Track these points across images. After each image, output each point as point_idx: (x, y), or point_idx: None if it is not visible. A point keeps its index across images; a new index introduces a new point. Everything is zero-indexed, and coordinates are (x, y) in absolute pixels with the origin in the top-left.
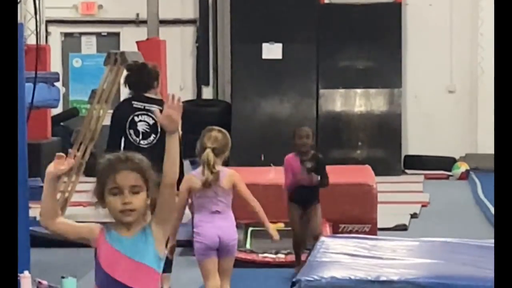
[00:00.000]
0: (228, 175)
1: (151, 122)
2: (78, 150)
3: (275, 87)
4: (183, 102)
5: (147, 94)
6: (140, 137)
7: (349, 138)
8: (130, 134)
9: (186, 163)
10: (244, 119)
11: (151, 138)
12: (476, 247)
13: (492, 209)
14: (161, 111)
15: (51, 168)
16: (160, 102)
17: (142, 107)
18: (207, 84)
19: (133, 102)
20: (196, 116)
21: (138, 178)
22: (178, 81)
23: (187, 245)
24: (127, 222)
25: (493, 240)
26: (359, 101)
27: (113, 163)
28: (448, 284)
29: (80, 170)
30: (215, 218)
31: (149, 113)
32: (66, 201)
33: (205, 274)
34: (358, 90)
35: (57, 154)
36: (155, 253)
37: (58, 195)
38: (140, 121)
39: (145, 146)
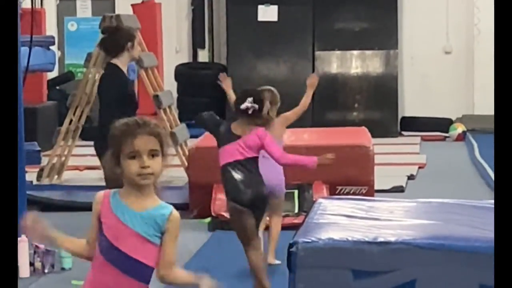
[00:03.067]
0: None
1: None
2: (74, 114)
3: (271, 50)
4: (178, 65)
5: (114, 60)
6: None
7: (345, 100)
8: None
9: (183, 126)
10: (240, 82)
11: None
12: (473, 208)
13: (489, 170)
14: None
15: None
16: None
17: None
18: (203, 47)
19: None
20: (192, 79)
21: (156, 142)
22: (174, 44)
23: (184, 208)
24: (144, 185)
25: (490, 201)
26: (355, 63)
27: (130, 128)
28: (445, 245)
29: (77, 134)
30: None
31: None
32: (63, 165)
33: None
34: (354, 52)
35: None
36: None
37: (55, 159)
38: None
39: None
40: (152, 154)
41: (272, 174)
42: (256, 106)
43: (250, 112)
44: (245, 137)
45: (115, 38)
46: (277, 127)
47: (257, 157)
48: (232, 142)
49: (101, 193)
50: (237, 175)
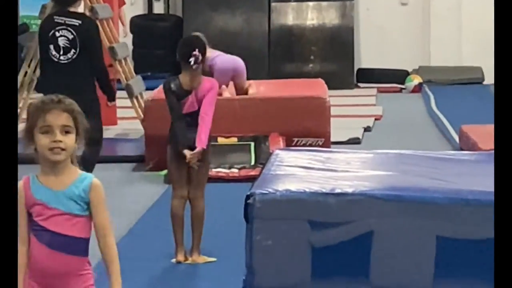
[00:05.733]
0: None
1: (71, 37)
2: (29, 66)
3: (227, 1)
4: (133, 17)
5: (71, 9)
6: (61, 52)
7: (301, 52)
8: (50, 50)
9: (138, 78)
10: None
11: (71, 53)
12: (430, 159)
13: (445, 121)
14: (81, 25)
15: None
16: (82, 17)
17: (63, 21)
18: None
19: (55, 17)
20: (148, 31)
21: (69, 119)
22: None
23: (140, 161)
24: (56, 161)
25: (447, 152)
26: (311, 14)
27: (45, 103)
28: (403, 196)
29: (32, 86)
30: None
31: (69, 28)
32: (17, 117)
33: None
34: (310, 3)
35: None
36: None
37: None
38: (61, 36)
39: (65, 61)
40: (65, 130)
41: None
42: (201, 56)
43: (198, 62)
44: (197, 90)
45: None
46: None
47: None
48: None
49: (20, 184)
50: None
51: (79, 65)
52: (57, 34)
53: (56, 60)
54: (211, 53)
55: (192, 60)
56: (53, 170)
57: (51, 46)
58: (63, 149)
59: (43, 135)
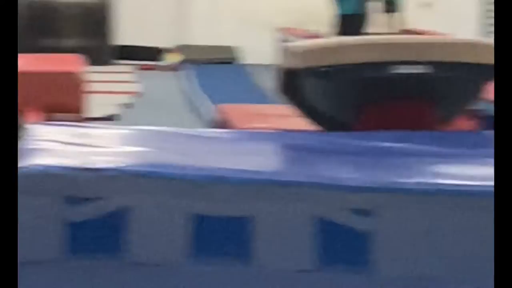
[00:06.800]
0: None
1: None
2: None
3: None
4: None
5: None
6: None
7: (58, 27)
8: None
9: None
10: None
11: None
12: (187, 136)
13: (202, 99)
14: None
15: None
16: None
17: None
18: None
19: None
20: None
21: None
22: None
23: None
24: None
25: (201, 129)
26: None
27: None
28: (159, 172)
29: None
30: None
31: None
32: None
33: None
34: None
35: None
36: None
37: None
38: None
39: None
40: None
41: None
42: None
43: None
44: None
45: None
46: None
47: None
48: None
49: None
50: None
51: None
52: None
53: None
54: None
55: None
56: None
57: None
58: None
59: None
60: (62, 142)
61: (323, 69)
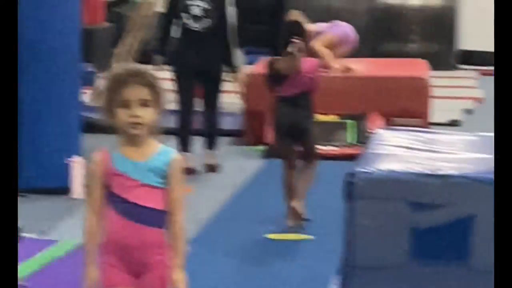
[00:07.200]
0: None
1: (206, 6)
2: (130, 36)
3: None
4: None
5: None
6: (196, 21)
7: (402, 31)
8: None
9: (239, 52)
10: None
11: (206, 22)
12: None
13: None
14: None
15: None
16: None
17: None
18: None
19: None
20: (251, 5)
21: (147, 92)
22: None
23: (238, 135)
24: (134, 135)
25: None
26: None
27: (122, 77)
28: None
29: (133, 58)
30: None
31: None
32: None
33: None
34: None
35: None
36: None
37: None
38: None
39: (201, 30)
40: (144, 103)
41: None
42: (301, 42)
43: (298, 49)
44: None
45: None
46: None
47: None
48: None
49: (98, 154)
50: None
51: (216, 33)
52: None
53: (191, 29)
54: (316, 27)
55: (291, 47)
56: (133, 142)
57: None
58: (141, 124)
59: (121, 109)
60: (409, 148)
61: None
